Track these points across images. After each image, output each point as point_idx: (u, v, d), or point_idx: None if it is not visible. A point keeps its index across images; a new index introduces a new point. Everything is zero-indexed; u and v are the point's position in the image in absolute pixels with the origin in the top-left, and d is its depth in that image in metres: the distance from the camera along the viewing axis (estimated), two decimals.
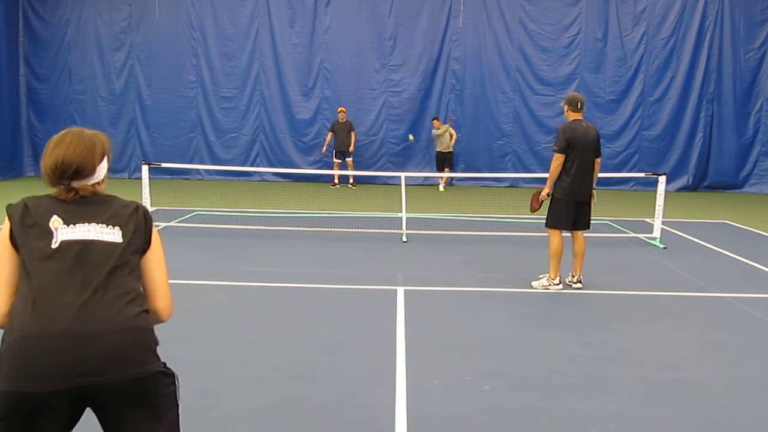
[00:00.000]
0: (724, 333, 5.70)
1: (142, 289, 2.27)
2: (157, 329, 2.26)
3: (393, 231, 9.64)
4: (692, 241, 9.74)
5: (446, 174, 15.52)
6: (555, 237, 6.74)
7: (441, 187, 15.82)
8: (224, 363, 4.68)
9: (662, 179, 9.42)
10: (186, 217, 10.74)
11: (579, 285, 6.85)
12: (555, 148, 6.66)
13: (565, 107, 6.78)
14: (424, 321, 5.75)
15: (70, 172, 2.23)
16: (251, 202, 12.80)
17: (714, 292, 6.92)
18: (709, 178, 16.91)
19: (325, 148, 15.95)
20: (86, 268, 2.12)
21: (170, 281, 2.37)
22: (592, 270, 7.31)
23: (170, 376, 2.23)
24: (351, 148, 15.75)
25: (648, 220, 10.31)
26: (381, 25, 16.77)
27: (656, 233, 9.38)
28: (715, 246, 9.30)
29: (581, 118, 6.71)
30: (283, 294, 6.56)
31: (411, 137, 16.29)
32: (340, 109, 15.90)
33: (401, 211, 9.78)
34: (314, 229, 9.77)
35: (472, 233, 9.86)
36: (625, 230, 10.33)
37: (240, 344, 5.10)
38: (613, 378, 4.59)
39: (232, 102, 17.00)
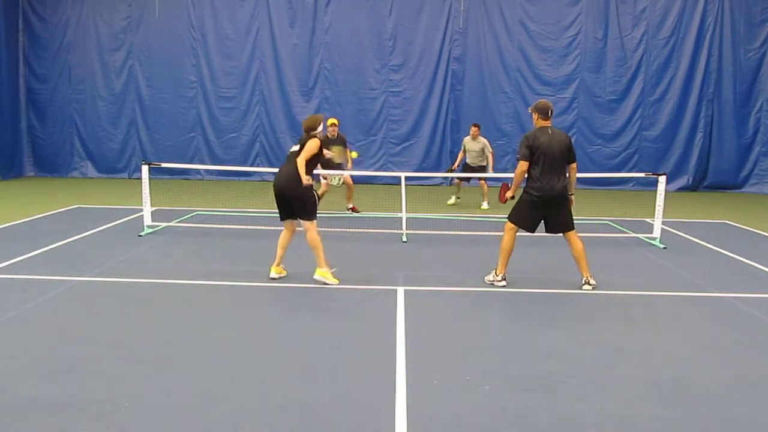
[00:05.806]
0: (724, 333, 5.70)
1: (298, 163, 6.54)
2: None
3: (393, 231, 9.64)
4: (692, 241, 9.74)
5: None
6: (508, 234, 6.83)
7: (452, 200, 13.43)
8: (224, 363, 4.68)
9: (662, 179, 9.41)
10: (186, 217, 10.74)
11: (588, 287, 6.81)
12: (518, 156, 6.76)
13: (534, 115, 6.75)
14: (424, 321, 5.76)
15: (306, 128, 6.69)
16: (251, 202, 12.79)
17: (714, 292, 6.92)
18: (709, 178, 16.92)
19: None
20: (289, 159, 6.68)
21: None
22: (592, 270, 7.32)
23: (310, 194, 6.65)
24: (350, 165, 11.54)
25: (648, 220, 10.31)
26: (381, 25, 16.77)
27: (656, 233, 9.38)
28: (715, 246, 9.30)
29: (549, 125, 6.71)
30: (282, 294, 6.57)
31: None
32: (331, 122, 11.22)
33: (401, 211, 9.78)
34: None
35: (471, 233, 9.86)
36: (625, 230, 10.32)
37: (240, 344, 5.10)
38: (613, 378, 4.59)
39: (232, 102, 17.02)
